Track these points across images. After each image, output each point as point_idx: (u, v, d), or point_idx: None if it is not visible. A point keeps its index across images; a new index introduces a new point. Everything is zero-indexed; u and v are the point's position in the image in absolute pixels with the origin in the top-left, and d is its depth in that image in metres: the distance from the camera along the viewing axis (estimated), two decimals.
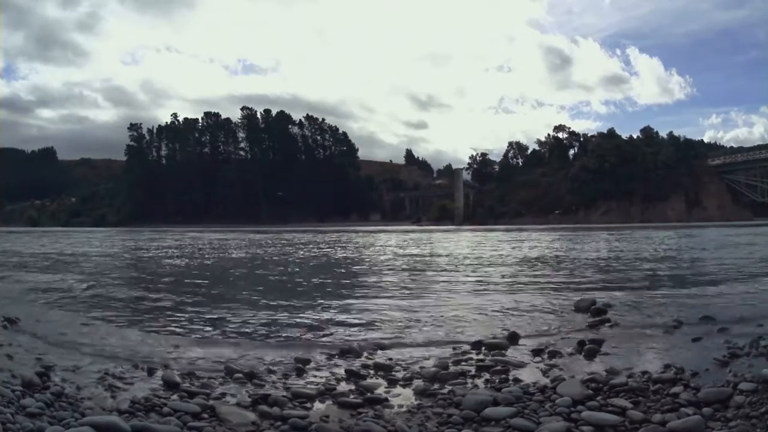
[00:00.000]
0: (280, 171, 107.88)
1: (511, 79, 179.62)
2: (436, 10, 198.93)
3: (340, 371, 4.20)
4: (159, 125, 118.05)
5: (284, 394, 3.64)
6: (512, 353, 4.72)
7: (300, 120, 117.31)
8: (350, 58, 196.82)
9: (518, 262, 15.05)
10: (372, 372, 4.19)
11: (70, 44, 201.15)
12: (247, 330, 5.83)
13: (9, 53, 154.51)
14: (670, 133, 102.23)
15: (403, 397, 3.68)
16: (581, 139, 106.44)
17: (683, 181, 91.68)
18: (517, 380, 3.95)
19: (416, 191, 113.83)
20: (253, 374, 4.04)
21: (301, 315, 6.74)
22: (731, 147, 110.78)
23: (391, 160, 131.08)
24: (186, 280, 11.26)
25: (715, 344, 4.64)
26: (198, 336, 5.52)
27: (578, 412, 3.25)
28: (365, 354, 4.67)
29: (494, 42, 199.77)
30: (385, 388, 3.85)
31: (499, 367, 4.22)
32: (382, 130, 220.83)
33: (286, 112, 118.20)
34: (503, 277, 11.20)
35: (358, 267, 14.30)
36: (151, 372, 4.05)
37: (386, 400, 3.61)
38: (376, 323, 6.20)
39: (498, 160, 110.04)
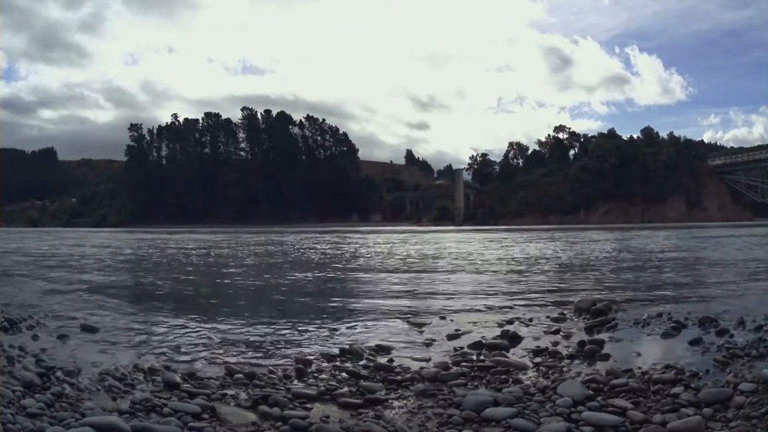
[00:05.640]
0: (280, 171, 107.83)
1: (512, 79, 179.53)
2: (436, 11, 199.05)
3: (341, 372, 4.20)
4: (159, 126, 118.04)
5: (285, 394, 3.64)
6: (512, 354, 4.72)
7: (300, 120, 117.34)
8: (350, 59, 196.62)
9: (518, 262, 15.05)
10: (373, 373, 4.19)
11: (73, 45, 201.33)
12: (247, 330, 5.83)
13: (12, 54, 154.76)
14: (671, 133, 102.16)
15: (403, 398, 3.69)
16: (582, 140, 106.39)
17: (683, 181, 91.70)
18: (517, 381, 3.95)
19: (417, 191, 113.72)
20: (254, 375, 4.04)
21: (301, 315, 6.74)
22: (731, 147, 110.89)
23: (391, 161, 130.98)
24: (185, 281, 11.26)
25: (715, 345, 4.64)
26: (199, 336, 5.52)
27: (579, 412, 3.25)
28: (366, 355, 4.67)
29: (495, 43, 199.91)
30: (386, 388, 3.85)
31: (499, 368, 4.22)
32: (382, 130, 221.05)
33: (287, 112, 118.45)
34: (503, 277, 11.19)
35: (358, 268, 14.30)
36: (151, 372, 4.05)
37: (387, 400, 3.61)
38: (377, 324, 6.20)
39: (498, 160, 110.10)
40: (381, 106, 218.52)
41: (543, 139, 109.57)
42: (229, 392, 3.69)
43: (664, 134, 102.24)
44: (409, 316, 6.61)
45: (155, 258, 18.64)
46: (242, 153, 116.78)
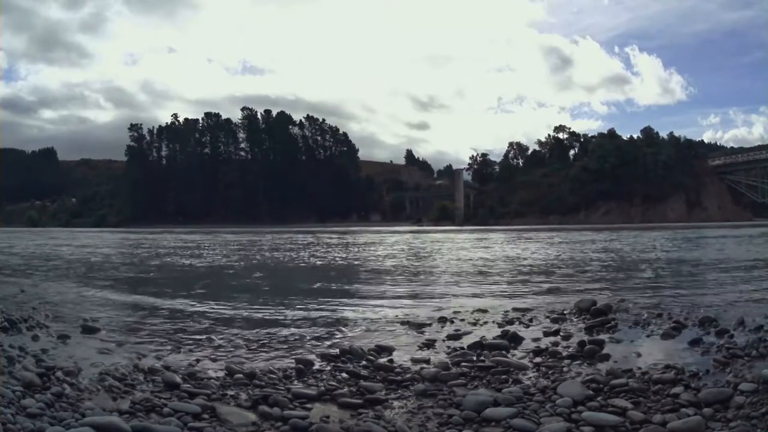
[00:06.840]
0: (280, 171, 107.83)
1: (512, 79, 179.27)
2: (436, 11, 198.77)
3: (341, 372, 4.20)
4: (159, 126, 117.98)
5: (285, 394, 3.64)
6: (512, 354, 4.72)
7: (300, 120, 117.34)
8: (351, 59, 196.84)
9: (518, 263, 15.05)
10: (373, 373, 4.19)
11: (73, 45, 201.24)
12: (247, 331, 5.83)
13: (12, 55, 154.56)
14: (671, 133, 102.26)
15: (403, 398, 3.69)
16: (582, 140, 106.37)
17: (683, 181, 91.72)
18: (517, 381, 3.95)
19: (417, 192, 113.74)
20: (254, 375, 4.04)
21: (301, 316, 6.74)
22: (731, 147, 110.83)
23: (391, 161, 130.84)
24: (186, 281, 11.26)
25: (715, 345, 4.64)
26: (199, 337, 5.52)
27: (579, 412, 3.26)
28: (366, 355, 4.66)
29: (495, 43, 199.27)
30: (386, 389, 3.85)
31: (499, 368, 4.22)
32: (382, 130, 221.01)
33: (287, 112, 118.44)
34: (503, 278, 11.19)
35: (359, 269, 14.30)
36: (151, 372, 4.05)
37: (387, 400, 3.61)
38: (377, 325, 6.20)
39: (498, 160, 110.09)
40: (381, 106, 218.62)
41: (543, 139, 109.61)
42: (230, 392, 3.69)
43: (664, 134, 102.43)
44: (410, 316, 6.61)
45: (142, 257, 18.65)
46: (242, 153, 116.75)
